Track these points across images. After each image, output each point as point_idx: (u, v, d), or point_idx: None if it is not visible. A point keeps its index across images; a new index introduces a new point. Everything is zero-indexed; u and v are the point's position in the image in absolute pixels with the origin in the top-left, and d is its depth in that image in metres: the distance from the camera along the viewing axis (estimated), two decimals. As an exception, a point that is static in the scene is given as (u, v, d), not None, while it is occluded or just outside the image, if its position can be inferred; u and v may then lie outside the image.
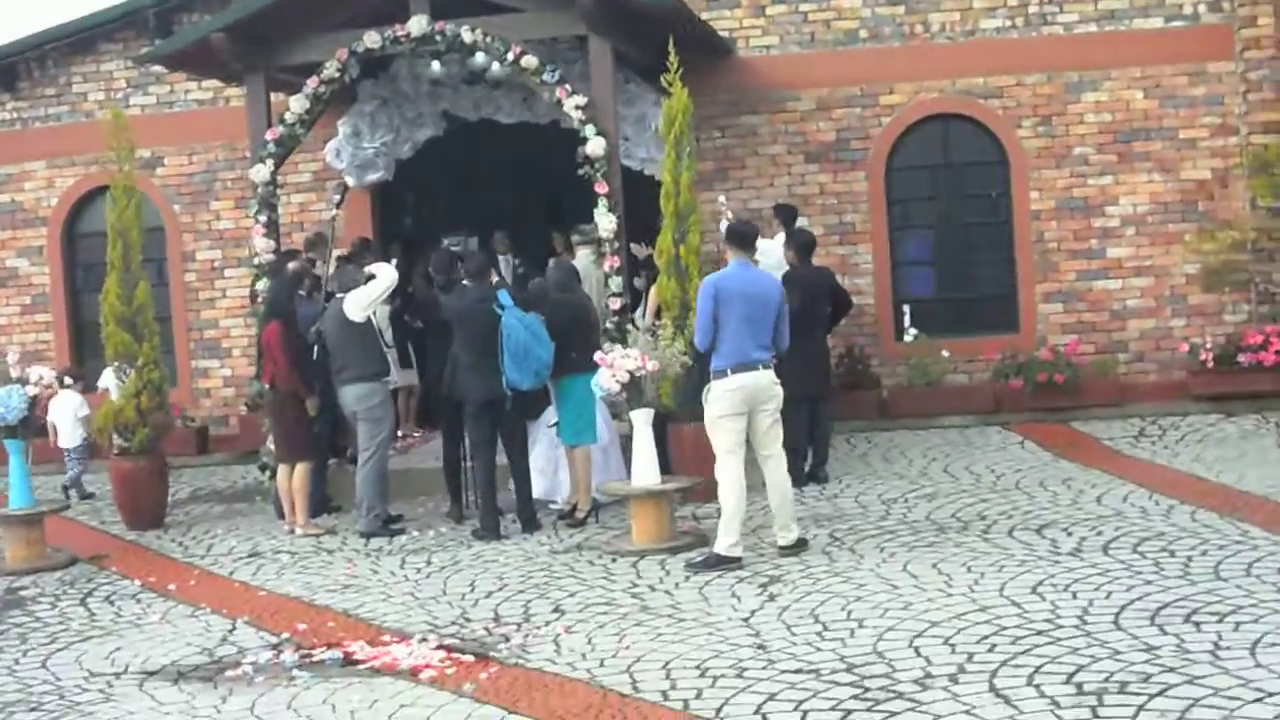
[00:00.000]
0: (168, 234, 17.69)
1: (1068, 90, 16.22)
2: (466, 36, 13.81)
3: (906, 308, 16.31)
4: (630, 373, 11.22)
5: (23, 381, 12.51)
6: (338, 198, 16.09)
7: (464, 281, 12.69)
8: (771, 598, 9.53)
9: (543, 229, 17.69)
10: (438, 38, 13.92)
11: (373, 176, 16.49)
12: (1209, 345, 15.46)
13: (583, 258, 14.19)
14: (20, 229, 18.27)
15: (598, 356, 11.49)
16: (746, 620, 9.06)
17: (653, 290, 14.11)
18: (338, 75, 14.10)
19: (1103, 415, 15.38)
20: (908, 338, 16.16)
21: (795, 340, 13.01)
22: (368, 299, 12.75)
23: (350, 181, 16.48)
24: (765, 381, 10.59)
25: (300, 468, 12.86)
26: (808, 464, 13.39)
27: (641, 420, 11.37)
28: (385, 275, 12.87)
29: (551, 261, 14.06)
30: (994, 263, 16.49)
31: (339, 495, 13.82)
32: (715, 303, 10.48)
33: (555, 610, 9.71)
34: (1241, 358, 15.30)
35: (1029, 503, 11.86)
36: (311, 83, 14.11)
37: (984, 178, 16.56)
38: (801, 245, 13.53)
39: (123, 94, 17.84)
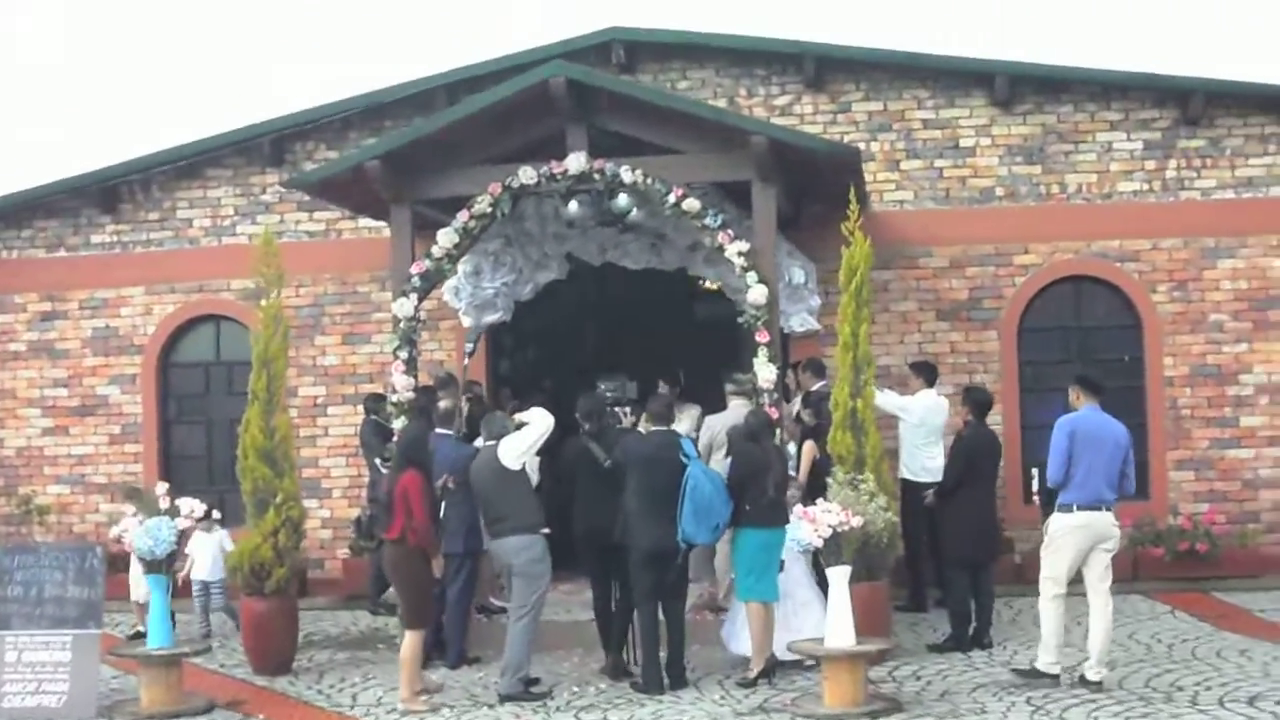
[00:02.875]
0: (271, 368, 17.13)
1: (1204, 256, 16.10)
2: (626, 176, 13.49)
3: (1035, 471, 15.94)
4: (832, 528, 10.78)
5: (172, 514, 11.93)
6: (470, 345, 15.70)
7: (639, 427, 12.30)
8: (1015, 770, 9.07)
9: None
10: (595, 176, 13.60)
11: (491, 318, 16.02)
12: (1347, 519, 15.23)
13: (735, 408, 13.73)
14: (114, 355, 17.76)
15: (799, 509, 11.05)
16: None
17: (806, 445, 13.72)
18: (490, 210, 13.74)
19: (1241, 586, 15.05)
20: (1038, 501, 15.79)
21: (965, 502, 12.78)
22: (525, 445, 12.00)
23: (467, 322, 16.04)
24: (1107, 522, 11.29)
25: (412, 636, 11.53)
26: (972, 628, 12.96)
27: (839, 578, 10.89)
28: (541, 421, 12.04)
29: (739, 407, 13.58)
30: (1126, 428, 16.11)
31: (478, 646, 13.22)
32: (1071, 441, 11.17)
33: (775, 777, 9.20)
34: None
35: (1217, 674, 11.50)
36: (462, 216, 13.74)
37: (1117, 341, 16.36)
38: (977, 404, 13.20)
39: (230, 221, 17.51)
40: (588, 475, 12.34)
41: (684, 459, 11.65)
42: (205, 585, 14.57)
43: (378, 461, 14.71)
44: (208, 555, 14.49)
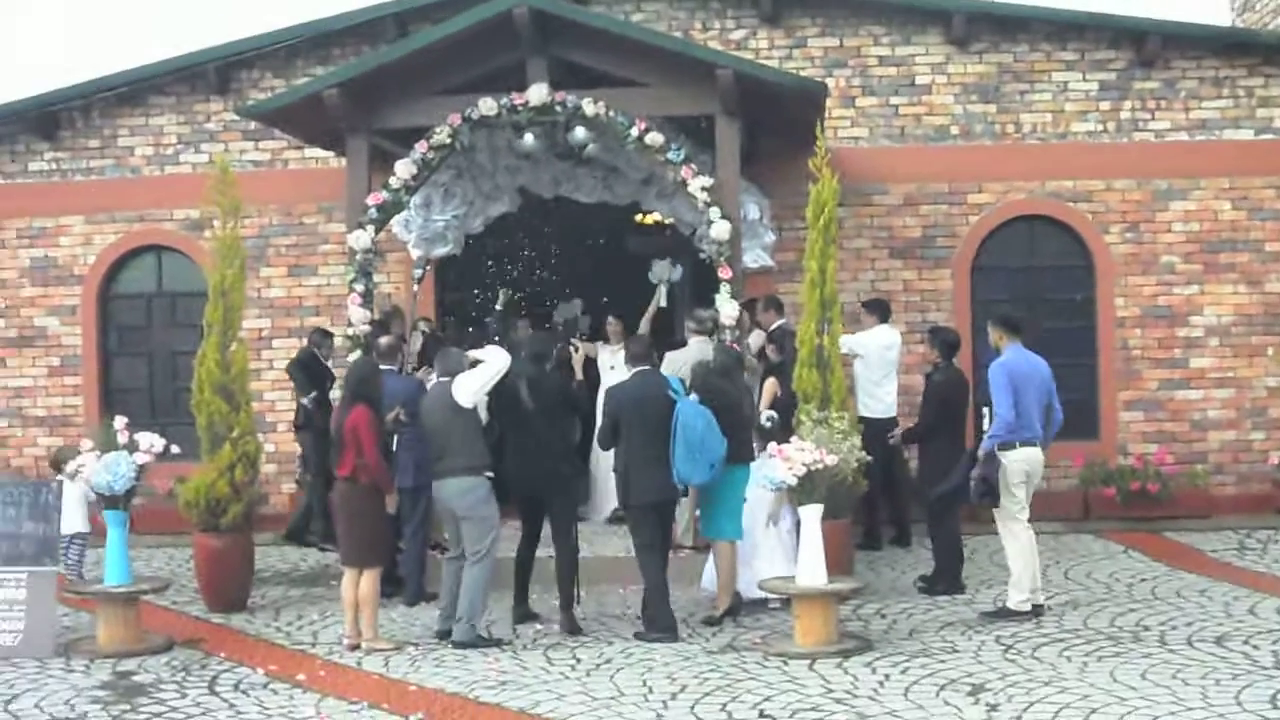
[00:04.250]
0: (214, 300, 16.78)
1: (1156, 198, 16.15)
2: (588, 109, 13.32)
3: (986, 410, 15.94)
4: (806, 466, 10.71)
5: (131, 448, 11.65)
6: (419, 272, 15.48)
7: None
8: (993, 708, 9.04)
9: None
10: (557, 108, 13.41)
11: (441, 250, 15.85)
12: (1300, 459, 15.41)
13: (696, 345, 13.59)
14: (53, 286, 17.32)
15: (773, 448, 10.97)
16: (986, 731, 8.62)
17: (769, 381, 13.64)
18: (449, 141, 13.52)
19: (1192, 526, 15.23)
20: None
21: (941, 445, 12.76)
22: (481, 382, 11.63)
23: (416, 254, 15.84)
24: (1041, 456, 11.79)
25: (370, 575, 11.32)
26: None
27: (812, 517, 10.84)
28: (498, 359, 11.69)
29: (700, 344, 13.40)
30: (1076, 368, 16.14)
31: (435, 583, 13.03)
32: (1010, 381, 11.53)
33: (762, 715, 9.11)
34: (1332, 473, 15.24)
35: (1180, 614, 11.56)
36: (420, 147, 13.52)
37: (1069, 281, 16.40)
38: (947, 345, 13.08)
39: (173, 150, 17.12)
40: (514, 417, 11.99)
41: (672, 396, 11.48)
42: (70, 539, 12.97)
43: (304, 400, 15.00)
44: (69, 505, 12.57)
